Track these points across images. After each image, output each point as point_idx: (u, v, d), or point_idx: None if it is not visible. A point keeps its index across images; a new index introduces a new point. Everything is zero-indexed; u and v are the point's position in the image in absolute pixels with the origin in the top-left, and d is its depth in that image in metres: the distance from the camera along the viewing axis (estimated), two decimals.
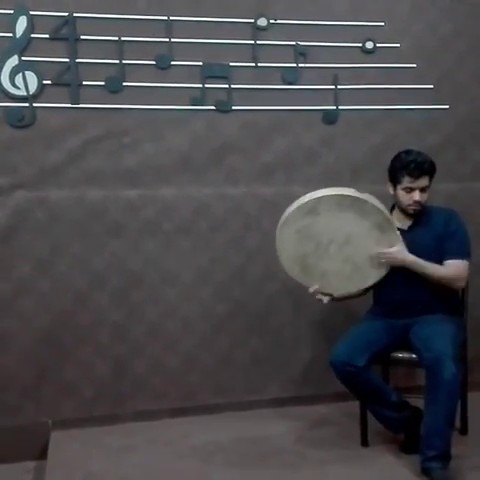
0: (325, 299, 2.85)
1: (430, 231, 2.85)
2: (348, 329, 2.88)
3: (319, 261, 2.74)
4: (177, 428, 3.18)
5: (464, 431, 2.98)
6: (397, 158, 2.85)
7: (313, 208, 2.65)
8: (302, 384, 3.46)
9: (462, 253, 2.82)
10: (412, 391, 2.91)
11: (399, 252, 2.74)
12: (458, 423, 2.86)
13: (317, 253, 2.73)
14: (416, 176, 2.78)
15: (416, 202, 2.81)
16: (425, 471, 2.56)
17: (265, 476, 2.68)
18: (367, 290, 2.96)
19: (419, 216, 2.87)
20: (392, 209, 2.93)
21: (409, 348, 2.79)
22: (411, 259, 2.76)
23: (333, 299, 2.88)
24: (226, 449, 2.94)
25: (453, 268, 2.80)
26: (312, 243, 2.71)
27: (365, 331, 2.84)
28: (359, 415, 2.91)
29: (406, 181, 2.80)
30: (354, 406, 2.93)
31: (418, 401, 2.73)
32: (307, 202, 2.65)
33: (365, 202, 2.64)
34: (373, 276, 2.80)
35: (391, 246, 2.74)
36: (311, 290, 2.82)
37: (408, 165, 2.78)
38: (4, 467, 3.01)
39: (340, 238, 2.70)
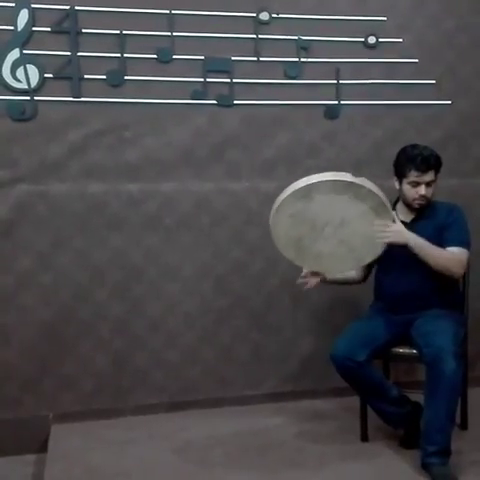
0: (313, 281, 2.86)
1: (432, 223, 2.83)
2: (348, 324, 2.88)
3: (314, 243, 2.73)
4: (177, 422, 3.19)
5: (464, 426, 2.98)
6: (403, 152, 2.84)
7: (308, 193, 2.63)
8: (302, 379, 3.46)
9: (462, 242, 2.79)
10: (412, 386, 2.91)
11: (400, 227, 2.71)
12: (458, 418, 2.86)
13: (312, 235, 2.71)
14: (423, 170, 2.77)
15: (422, 196, 2.80)
16: (425, 466, 2.57)
17: (264, 470, 2.69)
18: (365, 278, 2.98)
19: (423, 210, 2.86)
20: (396, 203, 2.93)
21: (410, 343, 2.79)
22: (411, 235, 2.71)
23: (325, 281, 2.88)
24: (226, 443, 2.94)
25: (452, 254, 2.76)
26: (307, 226, 2.69)
27: (366, 326, 2.84)
28: (359, 410, 2.91)
29: (413, 175, 2.79)
30: (354, 401, 2.93)
31: (418, 396, 2.73)
32: (302, 187, 2.63)
33: (360, 186, 2.62)
34: (368, 256, 2.79)
35: None
36: (303, 273, 2.84)
37: (415, 159, 2.77)
38: (4, 460, 3.02)
39: (335, 221, 2.68)
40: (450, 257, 2.76)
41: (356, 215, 2.66)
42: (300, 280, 2.90)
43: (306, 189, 2.63)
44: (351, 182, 2.62)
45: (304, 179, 2.64)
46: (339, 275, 2.96)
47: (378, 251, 2.76)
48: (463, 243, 2.80)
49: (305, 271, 2.88)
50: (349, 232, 2.70)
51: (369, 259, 2.81)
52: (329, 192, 2.63)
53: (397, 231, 2.70)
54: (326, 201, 2.64)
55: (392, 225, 2.70)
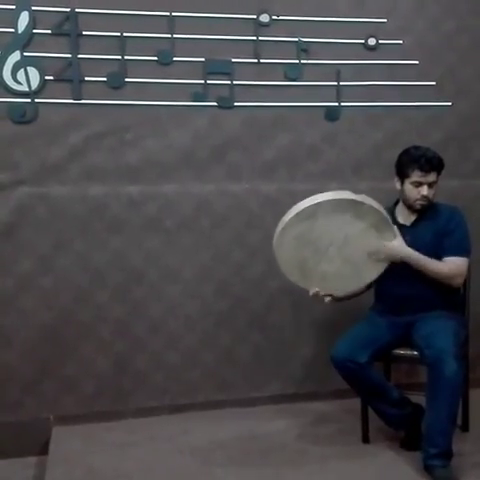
0: (326, 299, 2.84)
1: (432, 227, 2.84)
2: (349, 326, 2.88)
3: (318, 264, 2.74)
4: (178, 424, 3.18)
5: (465, 428, 2.98)
6: (406, 153, 2.85)
7: (311, 214, 2.64)
8: (303, 381, 3.46)
9: (461, 250, 2.81)
10: (413, 388, 2.90)
11: (396, 246, 2.73)
12: (459, 420, 2.86)
13: (316, 257, 2.72)
14: (426, 170, 2.78)
15: (424, 197, 2.81)
16: (427, 468, 2.56)
17: (266, 473, 2.68)
18: (368, 287, 2.96)
19: (424, 212, 2.86)
20: (396, 204, 2.93)
21: (411, 345, 2.79)
22: (409, 252, 2.74)
23: (333, 299, 2.87)
24: (227, 446, 2.94)
25: (451, 265, 2.79)
26: (311, 248, 2.71)
27: (367, 328, 2.84)
28: (360, 412, 2.91)
29: (416, 175, 2.79)
30: (355, 403, 2.93)
31: (419, 398, 2.73)
32: (305, 209, 2.64)
33: (362, 204, 2.64)
34: (372, 273, 2.80)
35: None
36: (311, 293, 2.81)
37: (419, 159, 2.78)
38: (5, 462, 3.02)
39: (338, 240, 2.70)
40: (448, 270, 2.79)
41: (358, 233, 2.68)
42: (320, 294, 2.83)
43: (310, 210, 2.64)
44: (353, 200, 2.63)
45: (307, 200, 2.66)
46: (344, 291, 2.94)
47: (381, 268, 2.77)
48: (463, 252, 2.82)
49: (312, 291, 2.81)
50: (352, 250, 2.71)
51: (373, 276, 2.81)
52: (331, 211, 2.64)
53: (397, 248, 2.72)
54: (329, 221, 2.65)
55: (388, 245, 2.71)
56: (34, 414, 3.16)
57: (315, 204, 2.64)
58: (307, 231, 2.67)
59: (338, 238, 2.69)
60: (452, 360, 2.53)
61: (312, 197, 2.66)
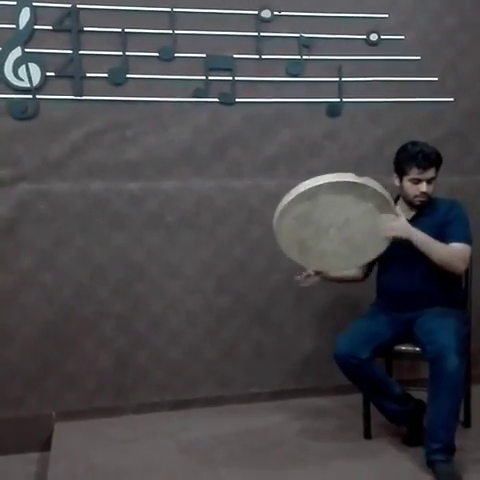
0: (312, 280, 2.86)
1: (432, 220, 2.82)
2: (351, 322, 2.88)
3: (318, 243, 2.72)
4: (179, 420, 3.19)
5: (467, 424, 2.98)
6: (404, 149, 2.83)
7: (312, 195, 2.62)
8: (305, 376, 3.46)
9: (464, 237, 2.78)
10: (415, 384, 2.91)
11: (401, 224, 2.69)
12: (461, 416, 2.85)
13: (316, 237, 2.70)
14: (424, 167, 2.77)
15: (423, 193, 2.80)
16: (430, 464, 2.56)
17: (267, 468, 2.68)
18: (365, 276, 2.98)
19: (423, 207, 2.85)
20: (396, 200, 2.92)
21: (412, 341, 2.79)
22: (415, 231, 2.70)
23: (325, 278, 2.87)
24: (228, 441, 2.94)
25: (454, 249, 2.75)
26: (311, 228, 2.68)
27: (368, 324, 2.84)
28: (362, 407, 2.91)
29: (414, 172, 2.78)
30: (357, 398, 2.93)
31: (421, 394, 2.73)
32: (306, 190, 2.62)
33: (364, 186, 2.61)
34: (372, 253, 2.79)
35: None
36: (304, 274, 2.84)
37: (416, 156, 2.77)
38: (8, 458, 3.02)
39: (339, 221, 2.67)
40: (453, 252, 2.74)
41: (360, 213, 2.65)
42: (299, 277, 2.90)
43: (310, 192, 2.61)
44: (355, 182, 2.61)
45: (308, 181, 2.63)
46: (338, 273, 2.96)
47: (382, 248, 2.75)
48: (465, 239, 2.79)
49: (308, 271, 2.88)
50: (353, 231, 2.69)
51: (373, 256, 2.80)
52: (333, 193, 2.61)
53: (402, 225, 2.70)
54: (330, 202, 2.63)
55: (397, 219, 2.69)
56: (36, 410, 3.16)
57: (316, 186, 2.61)
58: (308, 212, 2.64)
59: (339, 220, 2.67)
60: (454, 356, 2.53)
61: (314, 178, 2.63)
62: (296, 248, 2.76)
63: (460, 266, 2.77)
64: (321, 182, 2.61)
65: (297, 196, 2.62)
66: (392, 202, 2.69)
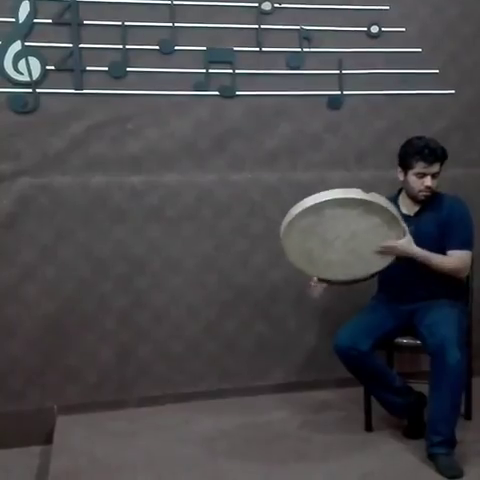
0: (319, 289, 2.83)
1: (435, 218, 2.83)
2: (352, 315, 2.87)
3: (324, 253, 2.73)
4: (181, 414, 3.19)
5: (468, 416, 2.98)
6: (409, 143, 2.83)
7: (318, 210, 2.63)
8: (306, 370, 3.46)
9: (465, 244, 2.81)
10: (416, 377, 2.91)
11: (405, 245, 2.70)
12: (462, 409, 2.86)
13: (322, 248, 2.71)
14: (430, 161, 2.76)
15: (428, 188, 2.80)
16: (431, 456, 2.57)
17: (269, 461, 2.69)
18: (371, 276, 2.96)
19: (427, 202, 2.85)
20: (398, 194, 2.92)
21: (413, 334, 2.79)
22: (416, 251, 2.72)
23: (331, 284, 2.86)
24: (230, 434, 2.95)
25: (456, 259, 2.78)
26: (317, 240, 2.69)
27: (369, 316, 2.84)
28: (363, 400, 2.92)
29: (419, 166, 2.78)
30: (358, 391, 2.93)
31: (422, 386, 2.74)
32: (312, 205, 2.62)
33: (371, 203, 2.61)
34: (377, 266, 2.79)
35: (398, 239, 2.71)
36: (313, 283, 2.81)
37: (422, 150, 2.76)
38: (10, 452, 3.03)
39: (346, 234, 2.69)
40: (454, 264, 2.78)
41: (367, 228, 2.66)
42: (309, 290, 2.86)
43: (316, 207, 2.62)
44: (361, 199, 2.60)
45: (313, 196, 2.63)
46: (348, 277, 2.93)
47: (386, 263, 2.76)
48: (466, 245, 2.81)
49: (315, 280, 2.82)
50: (359, 243, 2.69)
51: (377, 269, 2.80)
52: (339, 208, 2.62)
53: (401, 247, 2.70)
54: (336, 216, 2.63)
55: (399, 242, 2.69)
56: (38, 404, 3.17)
57: (321, 202, 2.61)
58: (314, 224, 2.65)
59: (345, 232, 2.68)
60: (455, 349, 2.53)
61: (320, 194, 2.62)
62: (303, 259, 2.76)
63: (461, 274, 2.83)
64: (326, 198, 2.61)
65: (302, 210, 2.62)
66: (399, 217, 2.69)
